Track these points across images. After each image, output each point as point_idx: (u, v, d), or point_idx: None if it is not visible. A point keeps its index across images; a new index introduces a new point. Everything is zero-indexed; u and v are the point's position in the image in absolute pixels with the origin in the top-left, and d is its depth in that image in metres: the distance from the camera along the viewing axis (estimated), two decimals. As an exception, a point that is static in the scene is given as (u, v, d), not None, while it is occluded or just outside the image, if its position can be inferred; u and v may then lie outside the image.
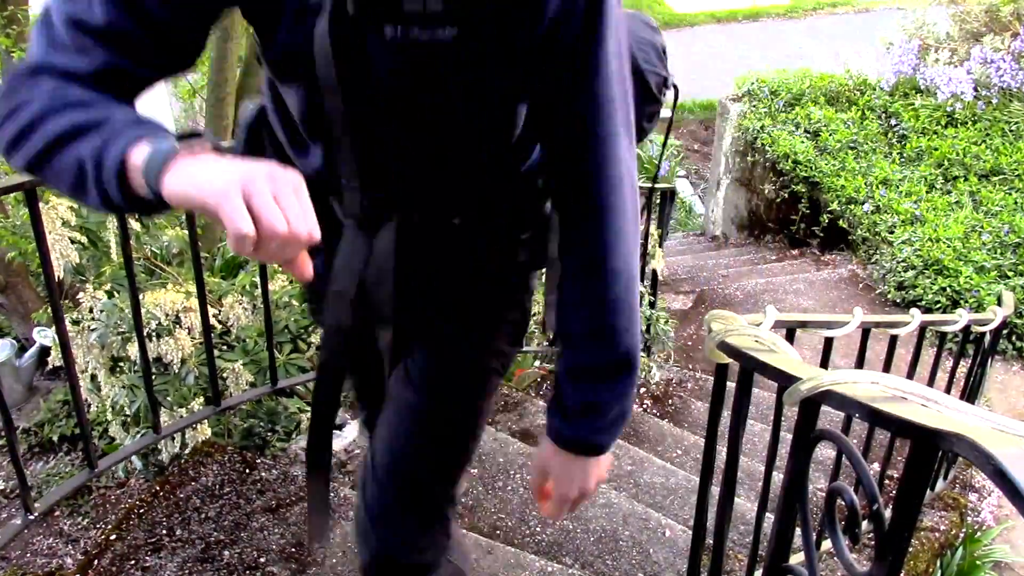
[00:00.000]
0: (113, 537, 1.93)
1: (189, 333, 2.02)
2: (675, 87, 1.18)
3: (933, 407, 0.91)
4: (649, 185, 3.54)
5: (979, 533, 2.74)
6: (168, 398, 2.09)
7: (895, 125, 5.56)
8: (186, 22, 0.77)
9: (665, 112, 1.21)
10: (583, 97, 0.80)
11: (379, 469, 1.09)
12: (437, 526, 1.13)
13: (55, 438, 2.86)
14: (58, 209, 1.89)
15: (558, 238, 0.90)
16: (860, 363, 1.87)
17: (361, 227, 0.88)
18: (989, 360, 2.83)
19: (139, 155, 0.68)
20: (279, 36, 0.78)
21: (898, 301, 4.38)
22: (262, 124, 0.96)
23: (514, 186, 0.95)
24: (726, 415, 1.42)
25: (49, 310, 1.79)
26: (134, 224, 2.00)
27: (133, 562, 1.87)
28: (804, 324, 1.57)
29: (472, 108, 0.83)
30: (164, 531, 1.96)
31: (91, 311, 2.02)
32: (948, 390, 2.93)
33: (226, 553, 1.92)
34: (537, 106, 0.85)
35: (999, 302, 2.80)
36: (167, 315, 1.97)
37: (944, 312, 4.03)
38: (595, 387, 0.91)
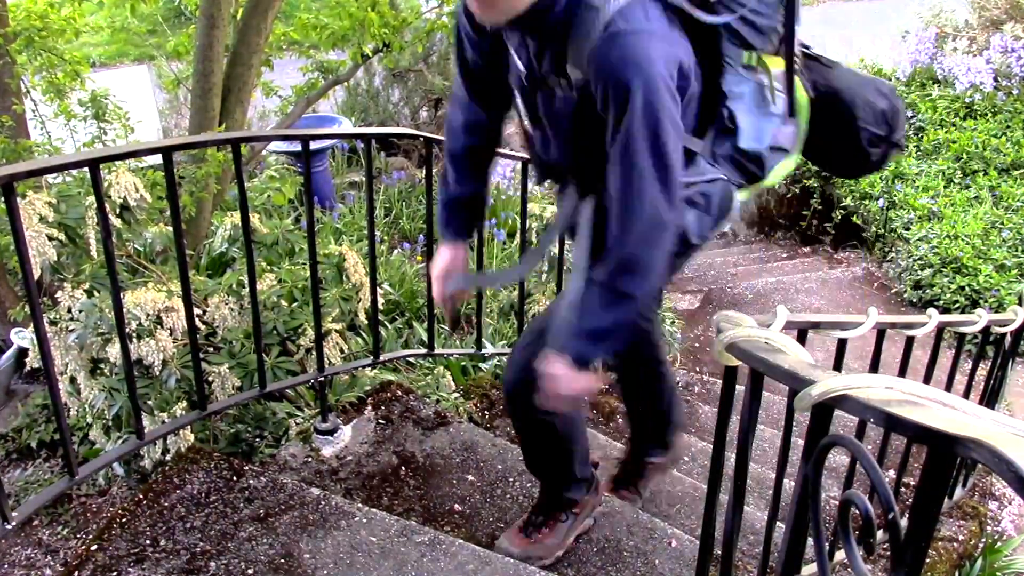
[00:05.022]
0: (94, 547, 1.89)
1: (171, 334, 1.97)
2: (894, 146, 1.75)
3: (950, 412, 0.90)
4: None
5: (999, 543, 2.69)
6: (149, 402, 2.03)
7: (911, 117, 5.44)
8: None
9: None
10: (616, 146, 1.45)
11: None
12: None
13: (33, 444, 2.77)
14: (35, 204, 1.83)
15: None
16: (875, 366, 1.84)
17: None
18: (1010, 363, 2.79)
19: None
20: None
21: (914, 301, 4.31)
22: None
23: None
24: (735, 420, 1.40)
25: (26, 308, 1.73)
26: (115, 220, 1.93)
27: (115, 574, 1.84)
28: (816, 325, 1.54)
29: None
30: (148, 541, 1.92)
31: (70, 311, 1.96)
32: (967, 394, 2.87)
33: (212, 564, 1.88)
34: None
35: (1020, 302, 2.73)
36: (148, 315, 1.91)
37: (963, 312, 3.95)
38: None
